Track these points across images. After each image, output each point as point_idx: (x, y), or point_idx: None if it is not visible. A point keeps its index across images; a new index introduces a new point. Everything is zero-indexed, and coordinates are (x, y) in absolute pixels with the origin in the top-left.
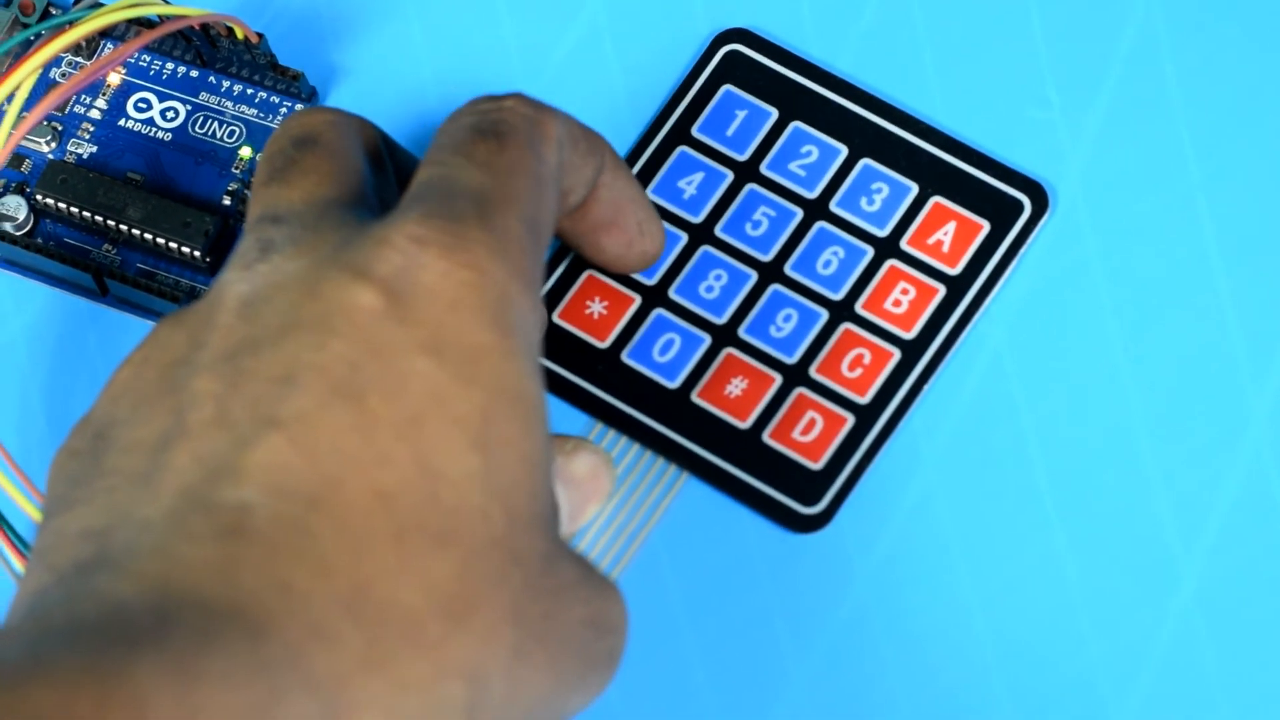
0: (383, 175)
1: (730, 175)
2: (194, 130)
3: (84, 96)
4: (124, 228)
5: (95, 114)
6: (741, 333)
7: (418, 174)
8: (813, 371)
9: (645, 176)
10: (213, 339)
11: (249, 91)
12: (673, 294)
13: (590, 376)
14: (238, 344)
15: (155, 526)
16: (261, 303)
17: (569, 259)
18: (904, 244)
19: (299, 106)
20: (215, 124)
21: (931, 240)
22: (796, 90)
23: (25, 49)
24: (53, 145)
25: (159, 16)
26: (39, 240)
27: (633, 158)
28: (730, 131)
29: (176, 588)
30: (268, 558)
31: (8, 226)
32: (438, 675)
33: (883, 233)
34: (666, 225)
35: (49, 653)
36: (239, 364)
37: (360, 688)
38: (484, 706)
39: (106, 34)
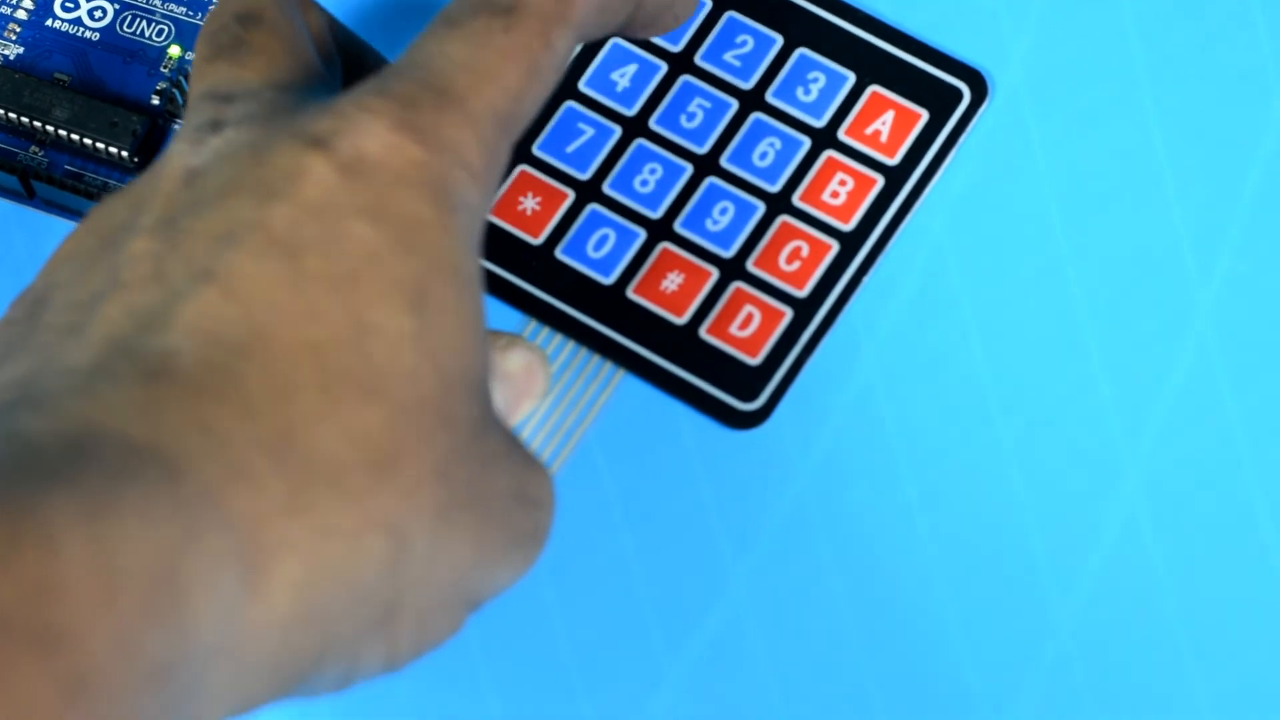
0: (327, 53)
1: (664, 67)
2: (122, 29)
3: None
4: (50, 129)
5: (21, 14)
6: (677, 227)
7: (407, 48)
8: (750, 265)
9: (578, 68)
10: (155, 203)
11: None
12: (607, 189)
13: (524, 273)
14: (180, 207)
15: (80, 371)
16: (208, 172)
17: None
18: (841, 134)
19: None
20: (144, 22)
21: (869, 130)
22: None
23: None
24: None
25: None
26: None
27: None
28: None
29: (94, 426)
30: (190, 399)
31: None
32: (360, 525)
33: (819, 123)
34: (599, 118)
35: None
36: (179, 224)
37: (280, 530)
38: (406, 563)
39: None
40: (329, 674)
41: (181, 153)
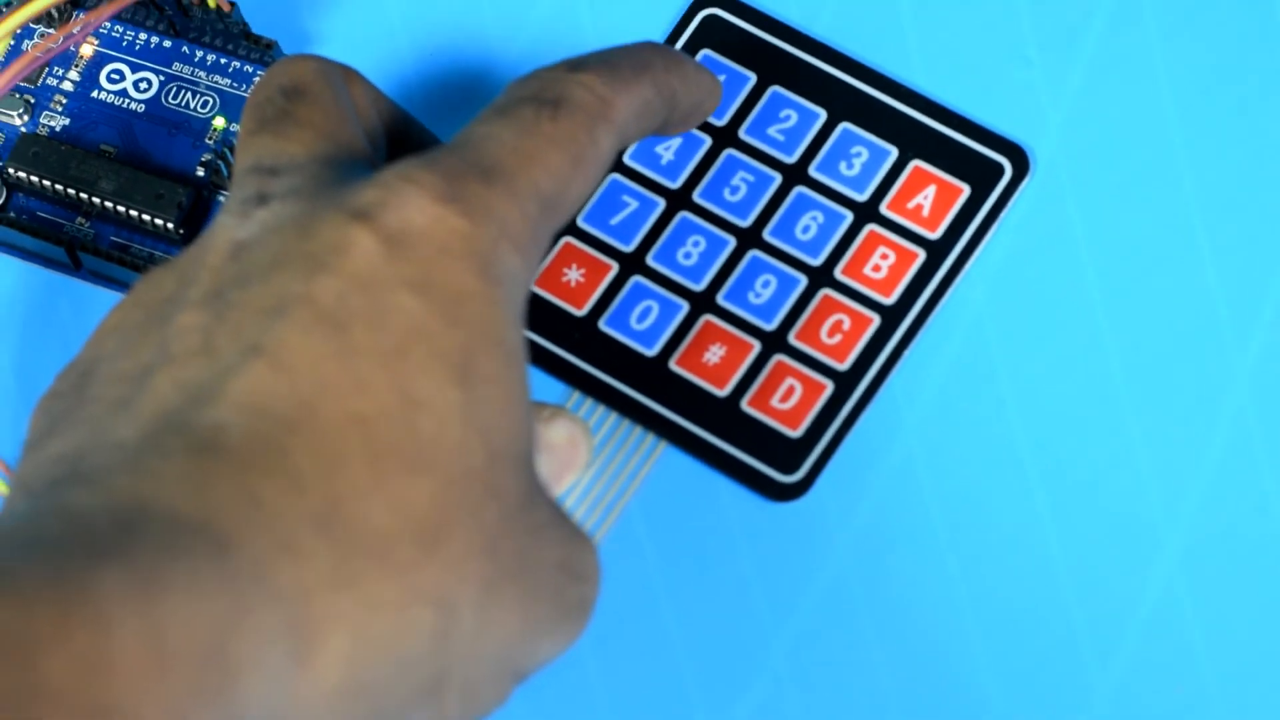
0: (370, 122)
1: (709, 140)
2: (167, 101)
3: (56, 68)
4: (97, 200)
5: (68, 85)
6: (720, 299)
7: (463, 129)
8: (791, 338)
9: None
10: (203, 276)
11: (222, 61)
12: (650, 261)
13: (567, 345)
14: (228, 281)
15: (129, 446)
16: (255, 245)
17: None
18: (884, 208)
19: None
20: (189, 94)
21: (911, 204)
22: (775, 54)
23: None
24: (25, 118)
25: None
26: (11, 214)
27: None
28: None
29: (144, 500)
30: (239, 473)
31: None
32: (407, 599)
33: (862, 197)
34: (643, 191)
35: (7, 566)
36: (227, 298)
37: (328, 604)
38: (453, 636)
39: (78, 4)
40: None
41: (228, 226)
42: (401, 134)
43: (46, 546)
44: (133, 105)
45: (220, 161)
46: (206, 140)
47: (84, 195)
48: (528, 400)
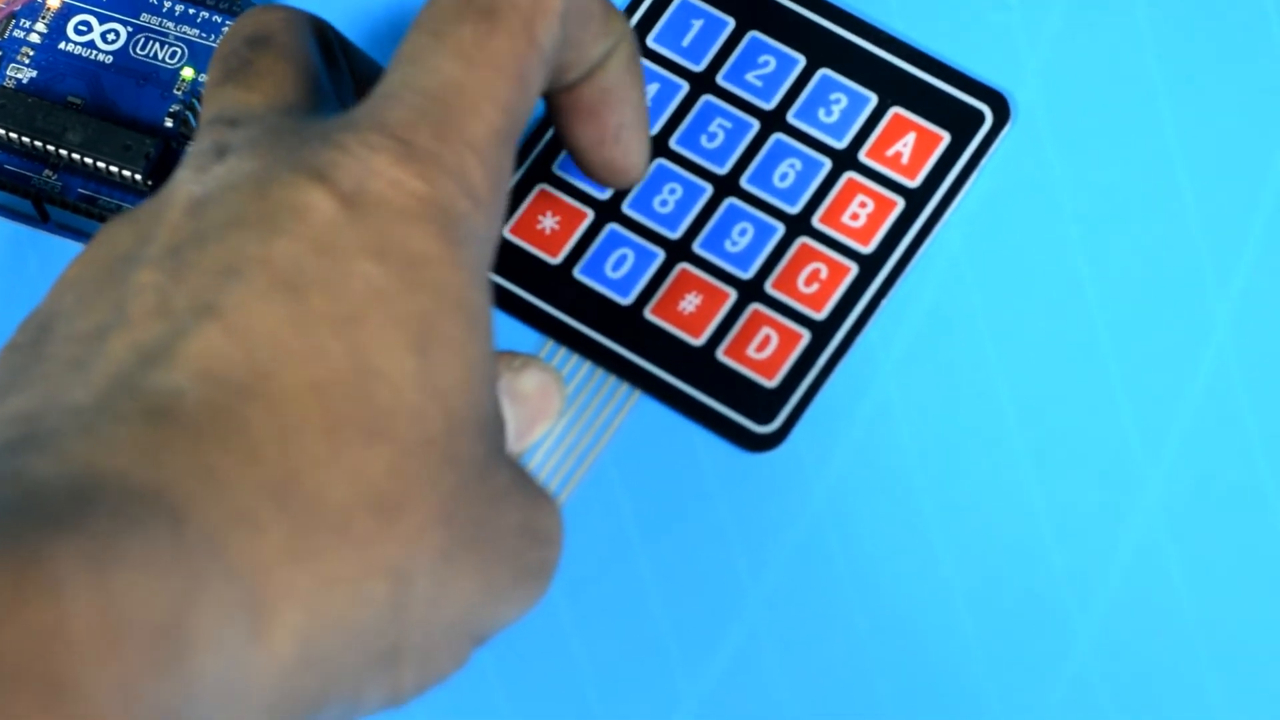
0: (337, 74)
1: (686, 86)
2: (135, 52)
3: (23, 20)
4: (64, 152)
5: (35, 38)
6: (696, 247)
7: (394, 61)
8: (768, 287)
9: None
10: (160, 234)
11: (190, 11)
12: (626, 208)
13: (541, 293)
14: (185, 239)
15: (84, 409)
16: (212, 202)
17: (523, 171)
18: (862, 156)
19: None
20: (157, 45)
21: (890, 152)
22: None
23: None
24: None
25: None
26: None
27: None
28: (686, 41)
29: (98, 469)
30: (193, 442)
31: None
32: (363, 572)
33: (841, 144)
34: None
35: None
36: (184, 257)
37: (283, 579)
38: (408, 607)
39: None
40: (331, 712)
41: (186, 180)
42: (373, 85)
43: (1, 514)
44: (100, 57)
45: (188, 112)
46: (175, 91)
47: (51, 147)
48: (491, 364)
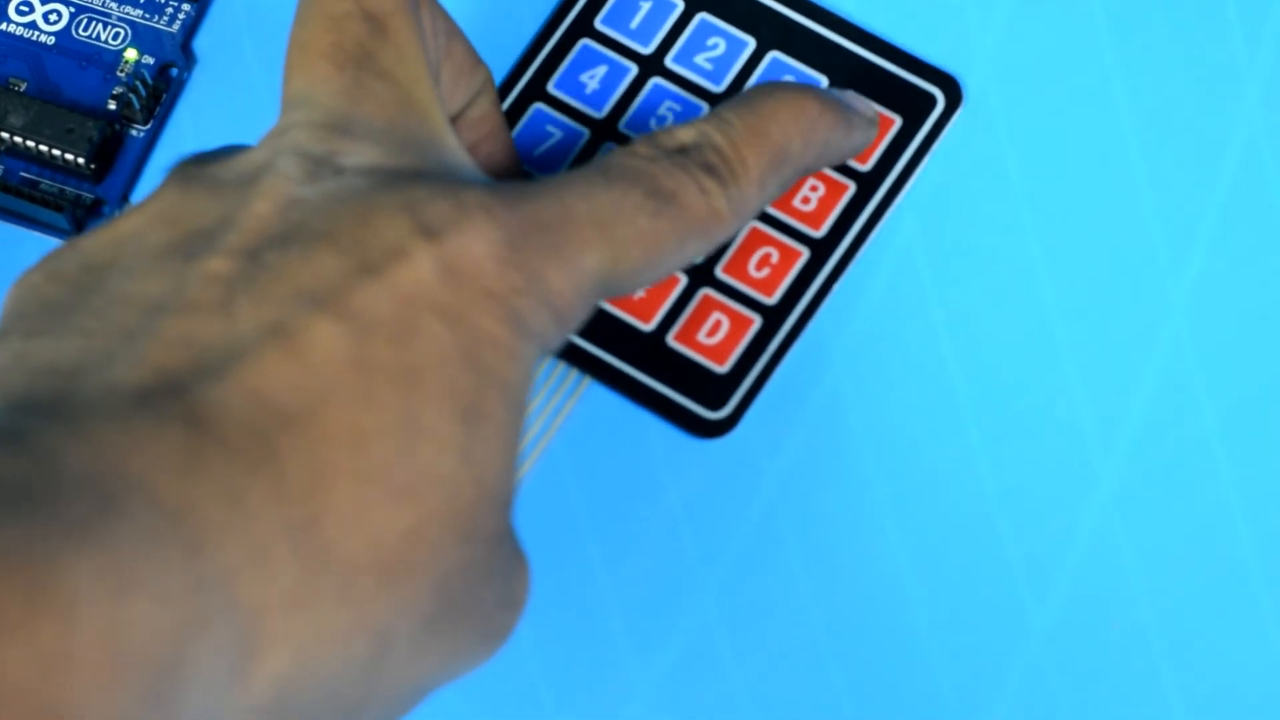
0: (434, 62)
1: (634, 69)
2: (78, 33)
3: None
4: (6, 136)
5: None
6: None
7: (553, 177)
8: (719, 272)
9: (547, 70)
10: (245, 222)
11: None
12: None
13: None
14: (270, 238)
15: (124, 393)
16: (310, 209)
17: None
18: None
19: (186, 7)
20: (99, 26)
21: None
22: None
23: None
24: None
25: None
26: None
27: (533, 51)
28: (634, 23)
29: (130, 471)
30: (227, 463)
31: None
32: (353, 629)
33: None
34: (567, 121)
35: None
36: (263, 258)
37: (280, 625)
38: (383, 668)
39: None
40: None
41: (290, 177)
42: (460, 67)
43: (24, 505)
44: (42, 38)
45: (132, 95)
46: (118, 73)
47: None
48: (518, 452)
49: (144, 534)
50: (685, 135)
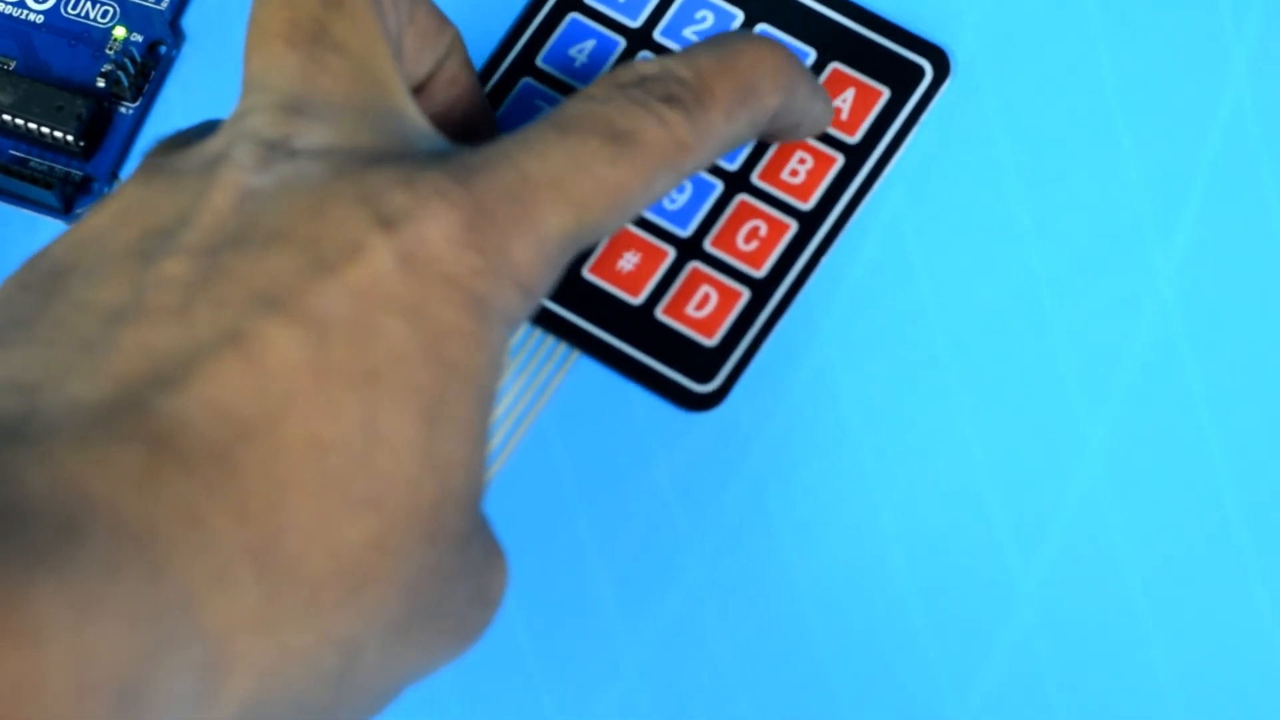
0: (394, 34)
1: (622, 42)
2: (66, 11)
3: None
4: None
5: None
6: None
7: (508, 136)
8: (707, 245)
9: (535, 45)
10: (201, 219)
11: None
12: None
13: None
14: (225, 237)
15: (84, 410)
16: (264, 200)
17: None
18: None
19: None
20: (88, 4)
21: None
22: None
23: None
24: None
25: None
26: None
27: (521, 25)
28: None
29: (90, 493)
30: (187, 481)
31: None
32: (319, 643)
33: None
34: (559, 96)
35: None
36: (219, 258)
37: (246, 646)
38: (353, 675)
39: None
40: None
41: (243, 166)
42: (424, 30)
43: None
44: (31, 16)
45: (120, 72)
46: (107, 51)
47: None
48: (487, 442)
49: (107, 558)
50: (646, 69)
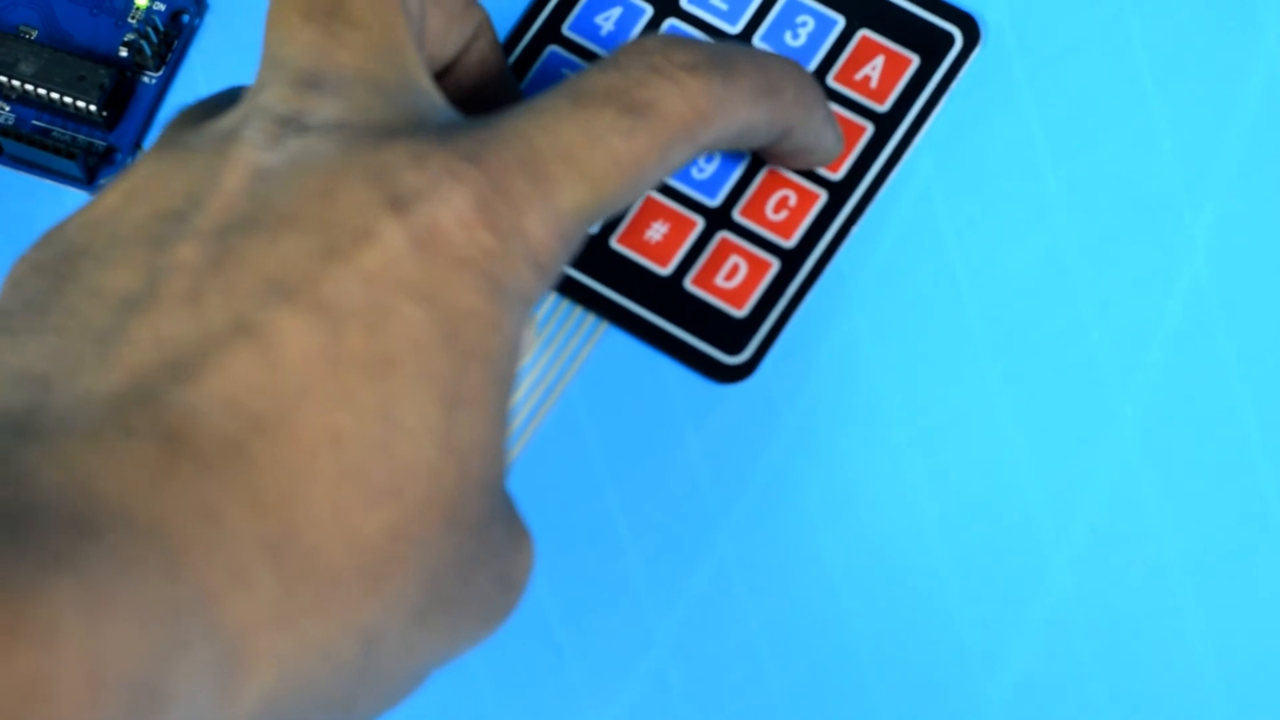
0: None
1: (650, 9)
2: None
3: None
4: (17, 84)
5: None
6: None
7: (521, 107)
8: (736, 215)
9: (562, 12)
10: (212, 202)
11: None
12: None
13: None
14: (236, 219)
15: (96, 404)
16: (276, 180)
17: None
18: (831, 80)
19: None
20: None
21: (859, 76)
22: None
23: None
24: None
25: None
26: None
27: None
28: None
29: (102, 491)
30: (201, 477)
31: None
32: (339, 635)
33: (809, 68)
34: (585, 64)
35: None
36: (229, 242)
37: (264, 642)
38: (374, 665)
39: None
40: None
41: (255, 144)
42: (450, 10)
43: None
44: None
45: (143, 41)
46: (129, 20)
47: (3, 79)
48: (507, 424)
49: (120, 557)
50: (674, 39)
